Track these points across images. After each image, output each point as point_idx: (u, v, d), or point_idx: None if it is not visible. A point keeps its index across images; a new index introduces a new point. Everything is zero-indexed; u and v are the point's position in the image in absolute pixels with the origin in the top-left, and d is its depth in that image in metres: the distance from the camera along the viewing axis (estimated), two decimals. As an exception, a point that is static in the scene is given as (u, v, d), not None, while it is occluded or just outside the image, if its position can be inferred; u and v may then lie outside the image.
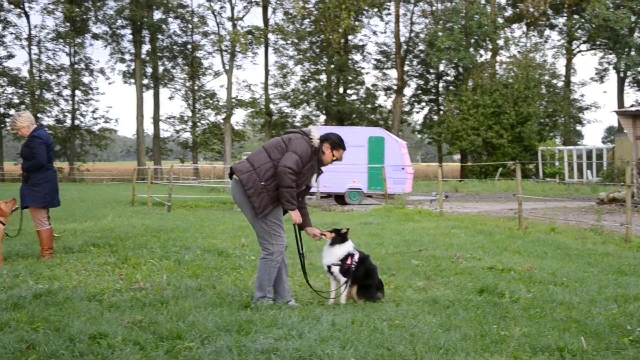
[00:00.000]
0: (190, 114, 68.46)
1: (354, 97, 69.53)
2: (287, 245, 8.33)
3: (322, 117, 68.78)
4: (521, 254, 12.54)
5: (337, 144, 8.22)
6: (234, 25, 63.47)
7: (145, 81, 67.03)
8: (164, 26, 65.43)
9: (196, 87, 68.85)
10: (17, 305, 7.76)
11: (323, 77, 68.65)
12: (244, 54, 64.75)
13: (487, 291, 8.60)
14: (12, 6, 65.53)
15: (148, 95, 67.25)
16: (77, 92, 67.31)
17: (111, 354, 5.76)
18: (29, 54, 65.69)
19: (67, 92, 67.44)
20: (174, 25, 68.14)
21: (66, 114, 67.62)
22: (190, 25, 67.52)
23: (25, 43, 66.11)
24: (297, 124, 66.29)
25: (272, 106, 67.52)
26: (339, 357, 5.71)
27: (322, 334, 6.35)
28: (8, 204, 11.50)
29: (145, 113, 65.53)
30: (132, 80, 66.20)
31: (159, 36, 66.50)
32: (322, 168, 8.22)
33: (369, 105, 69.46)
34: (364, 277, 8.17)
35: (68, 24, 65.25)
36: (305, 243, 8.72)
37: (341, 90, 68.36)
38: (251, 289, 8.75)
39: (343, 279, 8.14)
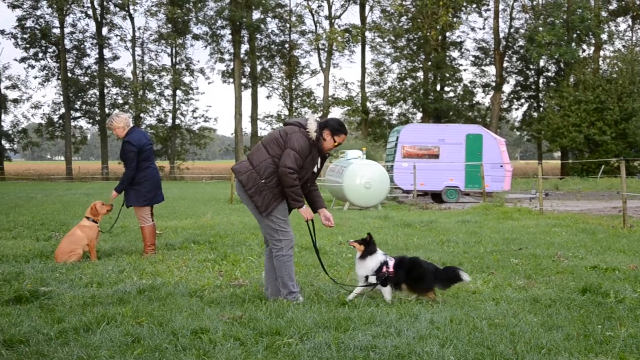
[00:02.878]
0: (287, 112, 68.96)
1: (452, 94, 68.87)
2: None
3: (419, 115, 68.37)
4: (626, 253, 12.15)
5: (338, 129, 8.08)
6: (331, 24, 63.69)
7: (244, 80, 67.85)
8: (262, 26, 66.10)
9: (293, 86, 69.31)
10: (123, 300, 7.98)
11: (420, 74, 68.20)
12: (341, 52, 64.94)
13: (590, 291, 8.36)
14: (118, 9, 67.39)
15: (246, 94, 68.11)
16: (178, 92, 68.68)
17: (212, 349, 5.84)
18: (133, 55, 67.45)
19: (168, 92, 68.94)
20: (272, 25, 68.74)
21: (167, 113, 69.11)
22: (288, 25, 68.01)
23: (129, 45, 67.97)
24: (394, 122, 66.06)
25: (368, 104, 67.46)
26: (438, 356, 5.64)
27: (420, 332, 6.30)
28: (104, 207, 11.82)
29: (243, 112, 66.36)
30: (231, 80, 67.12)
31: (258, 36, 67.20)
32: (334, 152, 8.14)
33: (467, 103, 68.67)
34: (407, 274, 8.08)
35: (170, 25, 66.67)
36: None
37: (438, 87, 67.79)
38: (349, 285, 8.76)
39: (385, 288, 8.06)
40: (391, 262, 8.14)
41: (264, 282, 8.28)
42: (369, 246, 8.21)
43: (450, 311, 7.27)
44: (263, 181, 7.73)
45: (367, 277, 8.11)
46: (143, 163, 11.61)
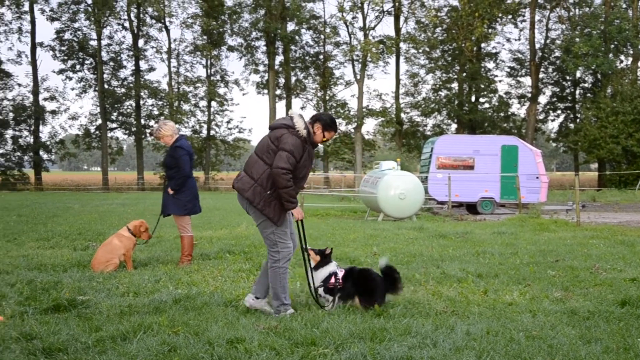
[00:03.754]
0: (321, 123, 68.92)
1: (487, 105, 68.59)
2: (296, 245, 8.25)
3: (454, 126, 68.14)
4: (665, 265, 11.99)
5: (329, 125, 8.07)
6: (366, 35, 63.69)
7: (278, 91, 68.07)
8: (297, 37, 66.37)
9: (327, 97, 69.37)
10: (159, 309, 8.03)
11: (455, 85, 68.04)
12: (375, 63, 64.87)
13: (629, 303, 8.26)
14: (154, 21, 68.04)
15: (280, 106, 68.32)
16: (213, 103, 69.07)
17: (248, 359, 5.86)
18: (168, 66, 67.98)
19: (203, 103, 69.34)
20: (307, 36, 68.95)
21: (202, 124, 69.50)
22: (322, 36, 68.15)
23: (165, 56, 68.52)
24: (428, 134, 65.86)
25: (402, 115, 67.38)
26: (474, 367, 5.61)
27: (456, 344, 6.26)
28: (146, 233, 11.95)
29: (277, 123, 66.41)
30: (266, 91, 67.41)
31: (292, 47, 67.41)
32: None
33: (502, 114, 68.30)
34: (359, 287, 8.16)
35: (205, 37, 67.13)
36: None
37: (473, 98, 67.55)
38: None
39: (330, 297, 8.15)
40: (340, 273, 8.21)
41: (257, 278, 8.27)
42: (324, 257, 8.31)
43: (487, 323, 7.23)
44: (268, 192, 7.72)
45: (316, 289, 8.21)
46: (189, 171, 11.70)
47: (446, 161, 31.26)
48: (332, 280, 8.12)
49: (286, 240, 7.93)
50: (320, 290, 8.15)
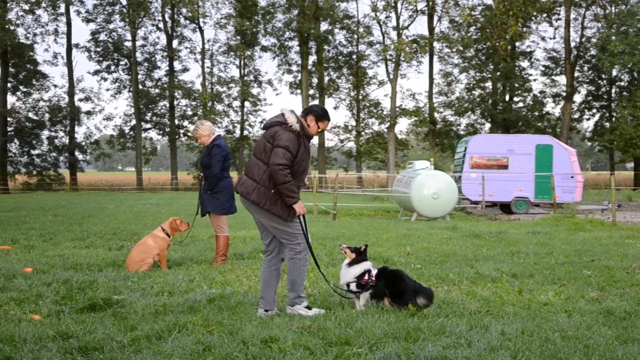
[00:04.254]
0: (354, 123, 69.02)
1: (521, 104, 68.08)
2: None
3: (487, 125, 67.73)
4: (703, 265, 11.83)
5: (322, 115, 8.05)
6: (399, 35, 63.51)
7: (311, 91, 68.15)
8: (330, 37, 66.41)
9: (360, 97, 69.32)
10: (193, 308, 8.07)
11: (489, 84, 67.62)
12: (408, 62, 64.71)
13: (667, 304, 8.17)
14: (188, 22, 68.43)
15: (314, 106, 68.30)
16: (246, 103, 69.34)
17: (282, 358, 5.86)
18: (202, 67, 68.35)
19: (236, 103, 69.59)
20: (340, 36, 68.93)
21: (235, 124, 69.78)
22: (355, 36, 68.12)
23: (198, 57, 68.89)
24: (462, 133, 65.50)
25: (436, 115, 67.11)
26: (509, 368, 5.57)
27: (491, 344, 6.22)
28: (183, 224, 12.01)
29: (310, 123, 66.48)
30: (299, 91, 67.54)
31: (325, 47, 67.45)
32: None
33: (536, 113, 67.76)
34: (390, 288, 8.12)
35: (239, 37, 67.38)
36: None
37: (507, 97, 67.07)
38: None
39: (362, 294, 8.14)
40: (374, 272, 8.20)
41: (261, 292, 8.12)
42: (360, 255, 8.30)
43: (522, 323, 7.17)
44: (272, 192, 7.72)
45: (348, 285, 8.18)
46: (223, 172, 11.74)
47: (480, 161, 31.11)
48: (366, 277, 8.10)
49: (302, 232, 7.97)
50: (353, 286, 8.13)
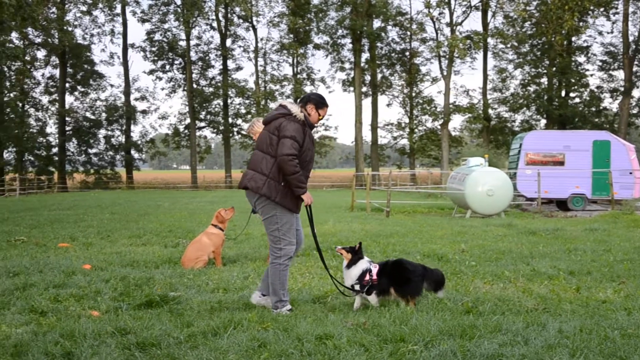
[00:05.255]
0: (407, 120, 68.80)
1: (577, 100, 67.09)
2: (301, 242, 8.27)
3: (543, 121, 66.91)
4: None
5: (320, 102, 8.04)
6: (453, 31, 63.11)
7: (364, 89, 68.12)
8: (383, 34, 66.25)
9: (414, 94, 69.06)
10: (248, 305, 8.12)
11: (544, 80, 66.77)
12: (462, 59, 64.28)
13: None
14: (241, 21, 68.84)
15: (366, 103, 68.43)
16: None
17: (337, 355, 5.85)
18: (255, 65, 68.73)
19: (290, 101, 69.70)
20: (393, 33, 68.83)
21: (289, 122, 69.86)
22: (408, 33, 67.88)
23: (252, 55, 69.34)
24: (516, 129, 64.80)
25: (490, 111, 66.54)
26: (567, 366, 5.49)
27: (548, 341, 6.13)
28: (228, 212, 12.07)
29: (363, 120, 66.64)
30: (351, 89, 67.52)
31: (378, 44, 67.37)
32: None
33: (593, 108, 66.70)
34: (394, 279, 8.03)
35: (291, 36, 67.59)
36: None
37: (563, 93, 66.15)
38: (473, 293, 8.66)
39: (370, 296, 8.05)
40: (375, 269, 8.08)
41: (263, 276, 8.19)
42: (356, 254, 8.20)
43: (580, 320, 7.06)
44: (282, 184, 7.69)
45: (353, 286, 8.10)
46: None
47: (535, 157, 30.73)
48: (367, 277, 8.05)
49: (290, 238, 7.90)
50: (357, 287, 8.07)
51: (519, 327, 6.68)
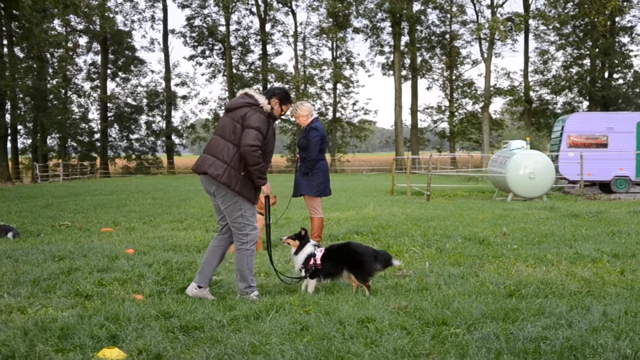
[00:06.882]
0: (447, 103, 68.43)
1: (621, 81, 66.20)
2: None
3: (585, 103, 66.13)
4: None
5: (285, 98, 8.05)
6: (494, 13, 62.50)
7: (404, 72, 67.83)
8: (422, 17, 65.85)
9: (454, 77, 68.64)
10: (289, 289, 8.17)
11: (587, 61, 65.98)
12: (503, 41, 63.66)
13: None
14: (281, 5, 68.84)
15: (406, 86, 68.05)
16: (339, 86, 69.46)
17: (379, 338, 5.85)
18: (295, 50, 68.79)
19: (329, 85, 69.83)
20: (433, 16, 68.63)
21: (328, 107, 70.01)
22: (449, 15, 67.39)
23: (291, 40, 69.38)
24: (558, 112, 64.12)
25: (531, 93, 65.92)
26: (613, 348, 5.41)
27: (593, 324, 6.07)
28: (270, 199, 12.09)
29: (403, 104, 66.40)
30: (391, 72, 67.28)
31: (418, 27, 67.00)
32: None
33: (637, 90, 65.73)
34: (347, 264, 8.02)
35: (331, 20, 67.44)
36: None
37: (606, 74, 65.28)
38: (515, 276, 8.60)
39: (311, 280, 8.13)
40: (319, 254, 8.10)
41: (201, 266, 8.12)
42: (302, 240, 8.26)
43: (625, 303, 6.99)
44: (242, 174, 7.67)
45: (301, 271, 8.20)
46: (319, 154, 11.77)
47: (578, 139, 30.38)
48: (311, 262, 8.09)
49: (254, 223, 7.90)
50: (304, 273, 8.16)
51: (563, 310, 6.63)
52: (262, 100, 7.83)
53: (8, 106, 60.92)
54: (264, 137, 7.68)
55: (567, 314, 6.49)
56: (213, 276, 8.69)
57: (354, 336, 5.92)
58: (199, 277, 7.95)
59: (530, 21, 64.21)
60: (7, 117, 60.47)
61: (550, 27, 65.33)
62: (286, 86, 69.40)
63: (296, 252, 8.26)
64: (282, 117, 8.39)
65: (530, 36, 66.19)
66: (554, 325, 6.09)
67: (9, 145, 61.00)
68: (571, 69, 66.61)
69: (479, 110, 65.61)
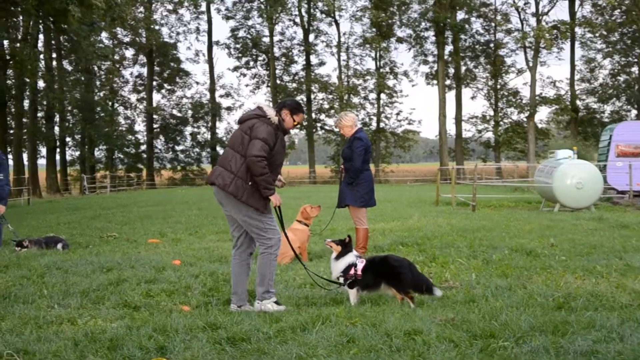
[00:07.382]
0: (492, 113, 67.91)
1: (671, 88, 65.19)
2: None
3: (634, 112, 65.18)
4: None
5: (296, 108, 8.14)
6: (539, 21, 61.97)
7: (448, 82, 67.48)
8: (466, 26, 65.58)
9: (498, 86, 68.12)
10: (336, 300, 8.18)
11: (634, 69, 65.07)
12: (548, 49, 63.04)
13: None
14: (324, 16, 69.06)
15: (450, 96, 67.64)
16: (382, 96, 69.36)
17: (427, 350, 5.82)
18: (338, 60, 68.86)
19: (372, 95, 69.84)
20: (477, 25, 67.96)
21: (372, 117, 69.97)
22: (493, 24, 66.93)
23: (334, 50, 69.48)
24: (606, 121, 63.26)
25: (578, 102, 65.13)
26: (666, 364, 5.33)
27: (645, 338, 5.98)
28: (314, 209, 12.14)
29: (447, 113, 65.97)
30: (435, 82, 66.95)
31: (462, 36, 66.68)
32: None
33: (686, 98, 64.74)
34: (386, 276, 7.97)
35: (374, 29, 67.40)
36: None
37: (656, 82, 64.36)
38: (564, 288, 8.48)
39: (351, 290, 8.07)
40: (360, 265, 8.04)
41: (233, 287, 8.12)
42: (345, 247, 8.24)
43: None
44: (250, 184, 7.74)
45: (338, 278, 8.16)
46: (363, 165, 11.77)
47: (626, 149, 29.94)
48: (351, 271, 8.07)
49: (275, 227, 8.01)
50: (342, 280, 8.16)
51: (614, 324, 6.52)
52: (270, 112, 8.00)
53: (57, 118, 62.05)
54: (270, 149, 7.81)
55: (619, 327, 6.38)
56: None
57: (401, 349, 5.90)
58: (235, 298, 8.06)
59: (577, 29, 63.55)
60: (56, 129, 61.56)
61: (597, 34, 64.60)
62: (329, 97, 69.57)
63: (337, 258, 8.28)
64: (297, 127, 8.45)
65: (577, 44, 65.52)
66: (605, 339, 6.00)
67: (57, 157, 62.03)
68: (619, 77, 65.80)
69: (525, 119, 65.01)
